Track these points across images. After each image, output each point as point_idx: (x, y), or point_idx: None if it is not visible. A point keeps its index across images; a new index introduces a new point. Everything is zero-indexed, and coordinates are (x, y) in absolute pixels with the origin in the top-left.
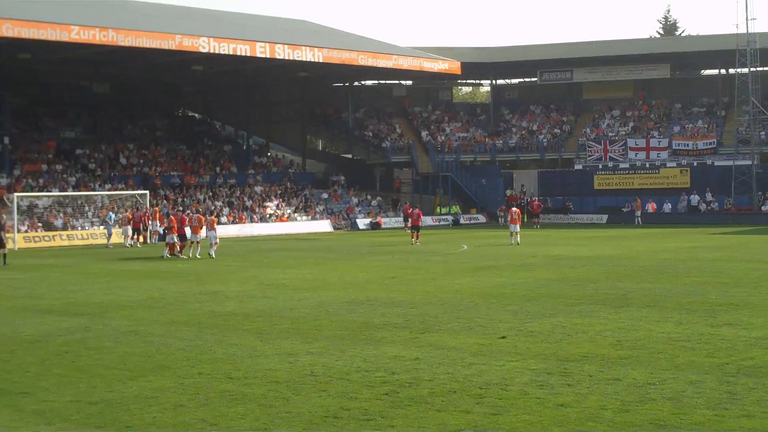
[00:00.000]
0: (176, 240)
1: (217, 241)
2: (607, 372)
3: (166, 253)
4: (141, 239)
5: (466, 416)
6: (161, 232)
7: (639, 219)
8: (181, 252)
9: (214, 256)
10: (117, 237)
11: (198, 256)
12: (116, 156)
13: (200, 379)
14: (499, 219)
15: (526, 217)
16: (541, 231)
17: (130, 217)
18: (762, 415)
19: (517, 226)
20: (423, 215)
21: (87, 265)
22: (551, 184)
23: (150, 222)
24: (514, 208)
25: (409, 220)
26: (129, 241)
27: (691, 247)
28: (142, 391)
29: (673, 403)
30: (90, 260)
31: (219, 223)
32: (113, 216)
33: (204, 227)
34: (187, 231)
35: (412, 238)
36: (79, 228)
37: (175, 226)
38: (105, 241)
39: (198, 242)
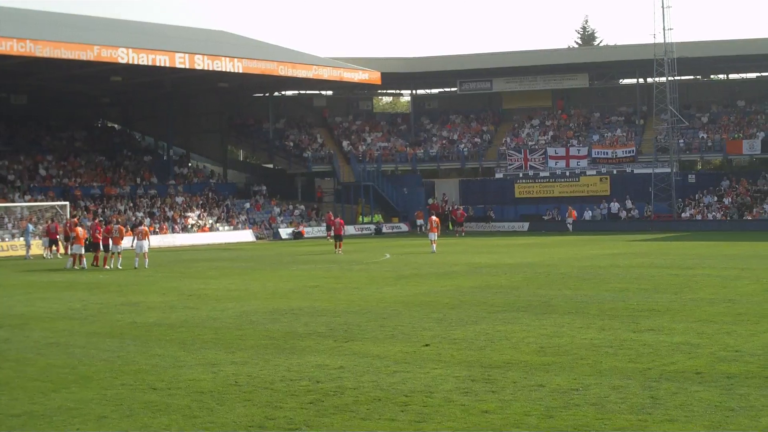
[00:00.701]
0: (119, 249)
1: (145, 251)
2: (531, 378)
3: (68, 264)
4: (61, 250)
5: (391, 424)
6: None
7: (570, 226)
8: (104, 263)
9: (146, 266)
10: (37, 248)
11: (119, 267)
12: (35, 167)
13: (123, 390)
14: (417, 224)
15: (450, 225)
16: (462, 239)
17: (47, 228)
18: (684, 420)
19: (435, 235)
20: (345, 224)
21: (6, 276)
22: (472, 193)
23: (71, 233)
24: (432, 217)
25: (332, 228)
26: (46, 252)
27: (612, 254)
28: (64, 402)
29: (596, 409)
30: (9, 272)
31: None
32: (32, 227)
33: (131, 237)
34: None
35: (335, 247)
36: None
37: (78, 237)
38: (24, 253)
39: (119, 253)
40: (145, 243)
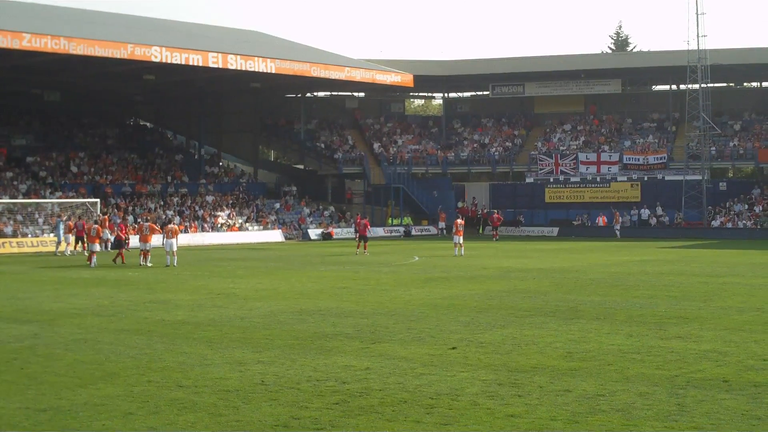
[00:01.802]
0: (97, 248)
1: (174, 250)
2: (558, 383)
3: (94, 261)
4: (85, 247)
5: (417, 426)
6: (112, 240)
7: (618, 232)
8: (143, 259)
9: (175, 264)
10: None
11: (149, 265)
12: (67, 164)
13: (150, 387)
14: (439, 226)
15: (481, 229)
16: (492, 243)
17: (72, 225)
18: (710, 428)
19: (460, 238)
20: (374, 226)
21: (36, 272)
22: (502, 197)
23: (102, 231)
24: (458, 220)
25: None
26: (69, 249)
27: (641, 260)
28: (91, 398)
29: (622, 415)
30: (39, 267)
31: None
32: (62, 224)
33: (161, 235)
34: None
35: (357, 248)
36: (30, 235)
37: (91, 234)
38: (54, 249)
39: (148, 251)
40: (174, 241)
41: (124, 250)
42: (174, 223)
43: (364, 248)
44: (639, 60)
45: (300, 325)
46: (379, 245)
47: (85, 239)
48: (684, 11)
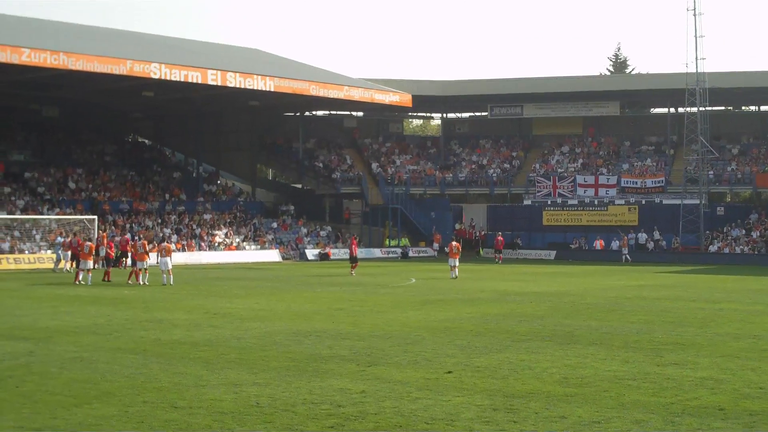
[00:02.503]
0: (89, 266)
1: (170, 268)
2: (553, 409)
3: (86, 278)
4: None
5: None
6: (115, 256)
7: (627, 256)
8: (137, 278)
9: (172, 283)
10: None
11: (146, 283)
12: (65, 180)
13: (145, 407)
14: (434, 248)
15: (481, 250)
16: (489, 266)
17: (68, 242)
18: None
19: (456, 260)
20: (372, 247)
21: (33, 289)
22: (500, 219)
23: (101, 248)
24: (453, 242)
25: None
26: (66, 266)
27: (638, 285)
28: (86, 418)
29: None
30: (36, 284)
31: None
32: (61, 240)
33: (155, 254)
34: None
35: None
36: (27, 252)
37: (84, 251)
38: (52, 266)
39: (146, 269)
40: (169, 260)
41: (112, 267)
42: (167, 242)
43: (353, 269)
44: (637, 82)
45: (296, 346)
46: (376, 266)
47: (98, 254)
48: (683, 34)
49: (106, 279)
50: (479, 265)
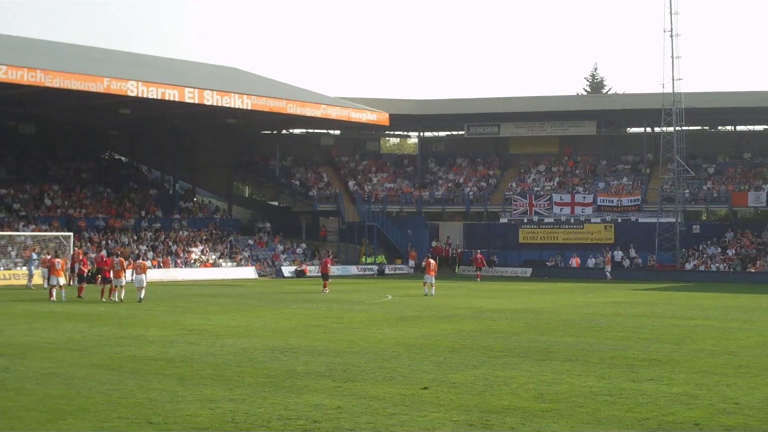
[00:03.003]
0: (60, 282)
1: (143, 285)
2: (529, 425)
3: (59, 294)
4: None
5: None
6: (90, 272)
7: (609, 274)
8: (110, 294)
9: (142, 297)
10: (38, 278)
11: (122, 299)
12: (41, 197)
13: (120, 423)
14: (409, 265)
15: (457, 268)
16: (465, 283)
17: (47, 259)
18: None
19: (432, 277)
20: (348, 264)
21: (7, 305)
22: (476, 237)
23: (76, 264)
24: (430, 259)
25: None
26: (46, 282)
27: (614, 302)
28: None
29: None
30: (11, 301)
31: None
32: (35, 256)
33: (130, 270)
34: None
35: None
36: (2, 268)
37: (55, 267)
38: (26, 282)
39: (122, 286)
40: (144, 277)
41: (86, 284)
42: (142, 259)
43: (324, 286)
44: (614, 102)
45: (272, 362)
46: (352, 284)
47: (73, 271)
48: (659, 54)
49: (79, 296)
50: (455, 282)
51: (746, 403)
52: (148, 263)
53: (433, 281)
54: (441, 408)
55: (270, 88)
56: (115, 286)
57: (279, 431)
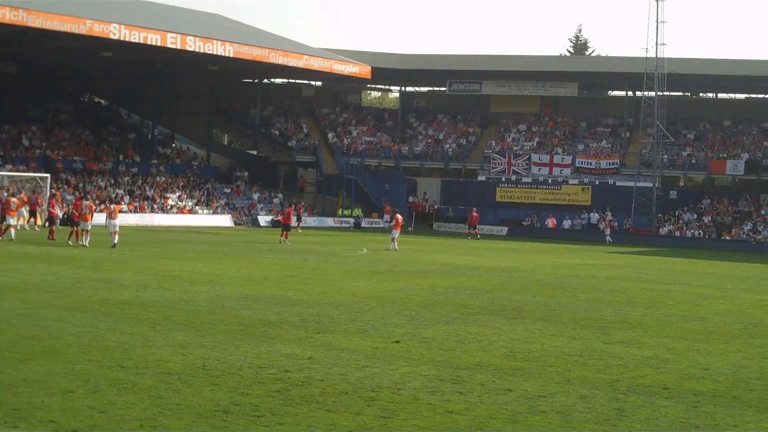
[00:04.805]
0: (11, 222)
1: (116, 230)
2: (499, 382)
3: (9, 235)
4: (38, 221)
5: (357, 418)
6: (61, 216)
7: (609, 238)
8: (77, 238)
9: (114, 245)
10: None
11: (86, 245)
12: (19, 137)
13: (91, 366)
14: (384, 219)
15: (434, 224)
16: (440, 240)
17: (25, 199)
18: None
19: (397, 232)
20: (324, 216)
21: None
22: (454, 194)
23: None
24: (398, 215)
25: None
26: (25, 223)
27: (589, 264)
28: (31, 374)
29: (562, 417)
30: None
31: (120, 211)
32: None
33: (105, 215)
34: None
35: (281, 236)
36: None
37: (10, 207)
38: None
39: (87, 230)
40: (116, 222)
41: (55, 227)
42: (115, 203)
43: (285, 237)
44: (597, 65)
45: (245, 311)
46: (328, 236)
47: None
48: (644, 19)
49: (50, 238)
50: (430, 238)
51: (716, 369)
52: (124, 207)
53: (396, 236)
54: (412, 362)
55: (253, 37)
56: (82, 230)
57: (250, 379)
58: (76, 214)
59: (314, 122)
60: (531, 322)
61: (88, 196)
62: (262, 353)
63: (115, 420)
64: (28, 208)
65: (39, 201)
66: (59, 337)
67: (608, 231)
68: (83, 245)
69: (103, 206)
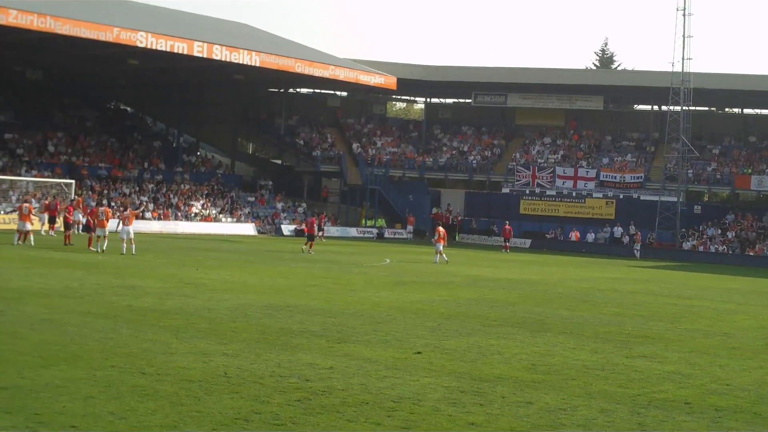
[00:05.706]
0: (27, 227)
1: (131, 237)
2: (520, 394)
3: (16, 239)
4: (53, 227)
5: (377, 428)
6: (84, 222)
7: (638, 252)
8: (89, 244)
9: (133, 252)
10: (38, 224)
11: (104, 250)
12: (45, 143)
13: (113, 372)
14: (407, 230)
15: (457, 236)
16: (463, 251)
17: (47, 204)
18: None
19: (441, 245)
20: (348, 226)
21: (6, 249)
22: (477, 206)
23: (73, 212)
24: (440, 227)
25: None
26: (44, 229)
27: (611, 278)
28: (53, 379)
29: (583, 430)
30: (9, 245)
31: (143, 218)
32: (34, 203)
33: (119, 221)
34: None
35: (305, 245)
36: (2, 212)
37: (23, 212)
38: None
39: (105, 236)
40: (130, 228)
41: (70, 232)
42: (130, 209)
43: (310, 247)
44: (622, 78)
45: (267, 319)
46: (351, 246)
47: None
48: (671, 33)
49: (66, 243)
50: (453, 250)
51: (738, 384)
52: (148, 214)
53: (441, 249)
54: (433, 373)
55: (279, 47)
56: (98, 237)
57: (271, 388)
58: (92, 221)
59: (339, 132)
60: (553, 335)
61: (112, 204)
62: (283, 362)
63: (135, 426)
64: (47, 214)
65: (58, 207)
66: (81, 342)
67: (638, 246)
68: (96, 251)
69: (119, 213)
